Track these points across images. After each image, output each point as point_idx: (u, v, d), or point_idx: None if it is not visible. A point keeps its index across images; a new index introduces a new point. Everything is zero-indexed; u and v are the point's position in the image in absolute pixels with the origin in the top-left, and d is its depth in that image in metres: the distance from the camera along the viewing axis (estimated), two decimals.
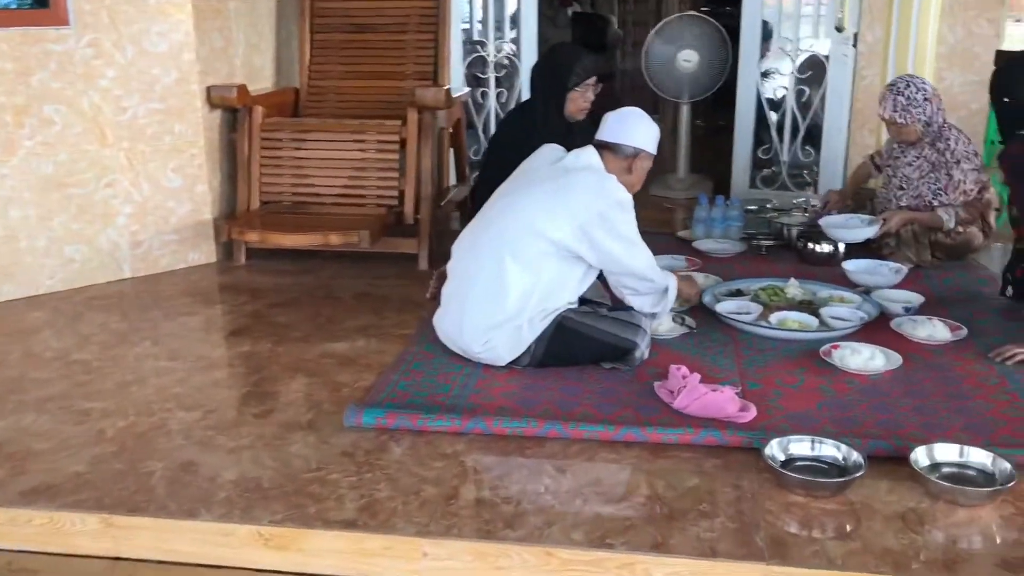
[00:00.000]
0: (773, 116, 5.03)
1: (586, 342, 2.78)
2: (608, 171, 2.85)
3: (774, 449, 2.22)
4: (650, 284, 2.87)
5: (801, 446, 2.24)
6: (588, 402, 2.60)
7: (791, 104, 4.97)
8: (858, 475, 2.09)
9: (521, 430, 2.39)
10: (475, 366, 2.85)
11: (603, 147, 2.89)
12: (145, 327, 3.34)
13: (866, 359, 2.80)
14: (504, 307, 2.75)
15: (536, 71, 3.64)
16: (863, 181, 4.31)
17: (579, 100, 3.51)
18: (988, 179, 3.88)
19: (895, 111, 3.73)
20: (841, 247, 3.88)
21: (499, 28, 5.11)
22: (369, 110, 4.42)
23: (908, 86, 3.74)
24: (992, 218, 3.87)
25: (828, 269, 3.83)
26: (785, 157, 5.02)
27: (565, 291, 2.84)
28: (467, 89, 4.84)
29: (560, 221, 2.73)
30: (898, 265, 3.66)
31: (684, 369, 2.64)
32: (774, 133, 5.03)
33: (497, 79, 5.14)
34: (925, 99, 3.72)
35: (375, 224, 3.81)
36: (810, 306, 3.29)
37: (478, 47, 5.11)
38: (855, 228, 3.75)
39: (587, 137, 3.82)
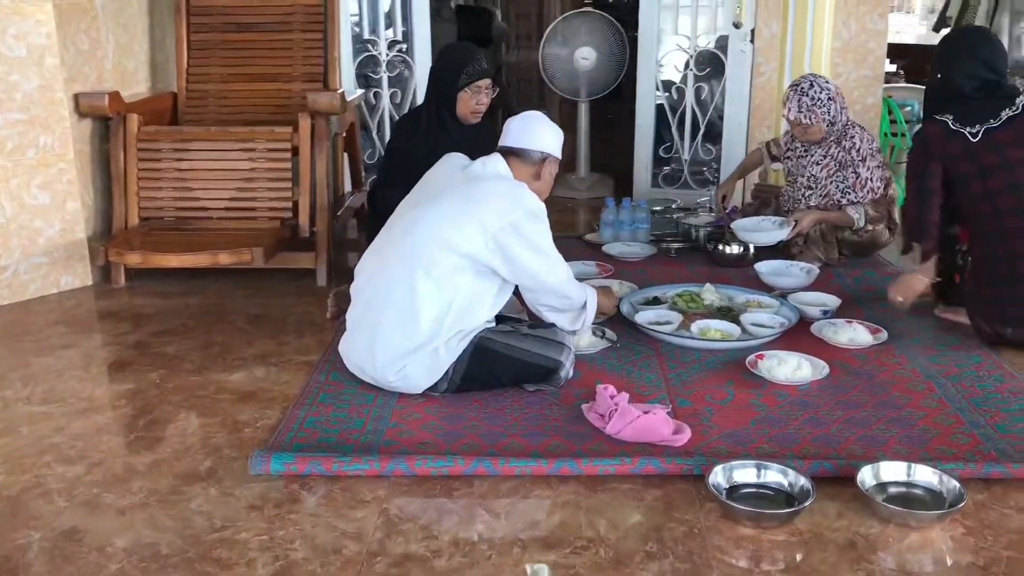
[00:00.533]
0: (673, 113, 4.96)
1: (508, 363, 2.61)
2: (516, 179, 2.70)
3: (718, 477, 2.10)
4: (568, 301, 2.74)
5: (746, 472, 2.13)
6: (515, 431, 2.43)
7: (690, 101, 4.91)
8: (808, 503, 1.99)
9: (447, 469, 2.21)
10: (388, 395, 2.65)
11: (509, 153, 2.73)
12: (14, 364, 2.99)
13: (793, 369, 2.73)
14: (419, 330, 2.56)
15: (430, 73, 3.50)
16: (753, 168, 4.28)
17: (470, 102, 3.37)
18: (891, 176, 3.90)
19: (800, 112, 3.69)
20: (751, 248, 3.83)
21: (389, 25, 4.88)
22: (256, 115, 4.15)
23: (812, 86, 3.71)
24: (897, 215, 3.89)
25: (739, 270, 3.78)
26: (686, 155, 4.97)
27: (481, 309, 2.66)
28: (361, 91, 4.60)
29: (472, 233, 2.55)
30: (809, 265, 3.64)
31: (612, 389, 2.51)
32: (675, 130, 4.97)
33: (390, 79, 4.91)
34: (829, 98, 3.69)
35: (269, 239, 3.54)
36: (729, 313, 3.21)
37: (368, 45, 4.86)
38: (767, 231, 3.71)
39: (491, 142, 3.69)
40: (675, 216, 4.39)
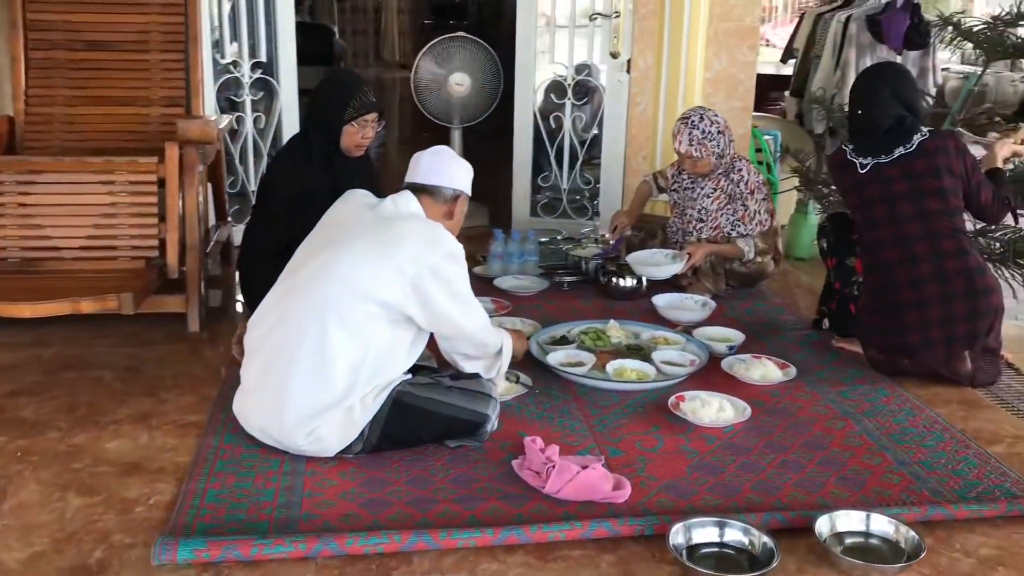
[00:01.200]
0: (551, 142, 4.89)
1: (430, 419, 2.42)
2: (429, 217, 2.53)
3: (679, 537, 1.99)
4: (485, 347, 2.59)
5: (706, 532, 2.03)
6: (445, 495, 2.24)
7: (568, 129, 4.86)
8: (773, 566, 1.91)
9: (382, 547, 1.99)
10: (296, 459, 2.40)
11: (420, 191, 2.56)
12: None
13: (716, 411, 2.68)
14: (332, 386, 2.33)
15: (310, 101, 3.29)
16: (645, 201, 4.26)
17: (356, 136, 3.20)
18: (774, 208, 3.96)
19: (691, 145, 3.68)
20: (644, 280, 3.80)
21: (253, 48, 4.57)
22: (109, 142, 3.78)
23: (702, 119, 3.71)
24: (781, 246, 3.95)
25: (634, 303, 3.75)
26: (565, 184, 4.91)
27: (397, 360, 2.46)
28: (228, 117, 4.27)
29: (388, 278, 2.36)
30: (704, 298, 3.63)
31: (540, 441, 2.38)
32: (553, 159, 4.90)
33: (253, 103, 4.59)
34: (719, 131, 3.71)
35: (137, 283, 3.19)
36: (640, 351, 3.14)
37: (231, 67, 4.53)
38: (662, 264, 3.69)
39: (375, 176, 3.50)
40: (563, 247, 4.31)
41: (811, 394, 2.90)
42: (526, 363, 3.00)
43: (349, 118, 3.16)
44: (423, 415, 2.41)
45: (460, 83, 5.03)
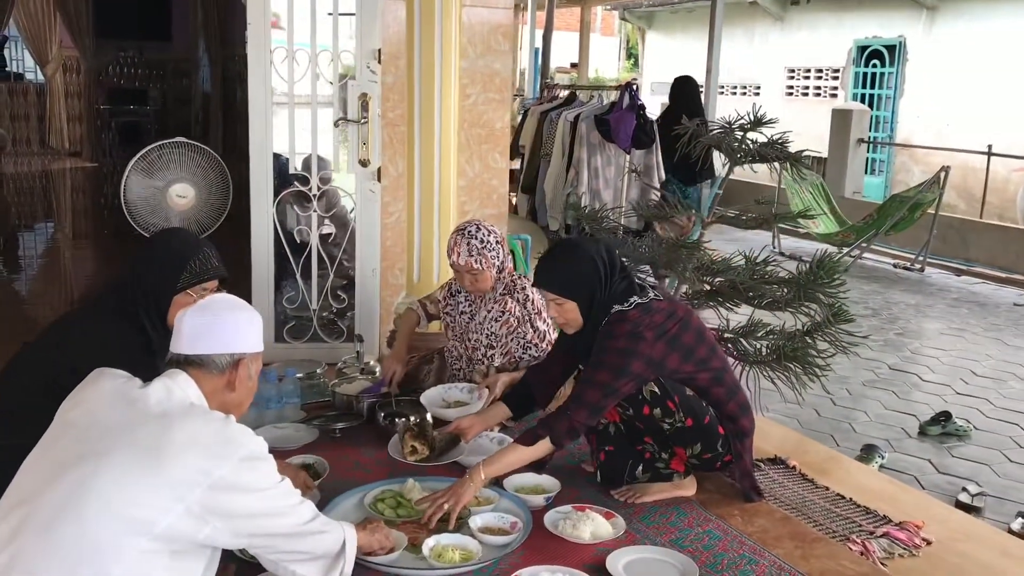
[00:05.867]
0: (296, 258, 4.37)
1: None
2: (204, 396, 1.98)
3: None
4: (318, 539, 2.03)
5: None
6: None
7: (315, 245, 4.36)
8: None
9: None
10: None
11: (185, 364, 2.00)
12: None
13: None
14: None
15: (134, 265, 2.61)
16: (412, 332, 3.86)
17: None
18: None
19: (471, 256, 3.38)
20: (429, 416, 3.38)
21: None
22: None
23: (479, 229, 3.44)
24: None
25: None
26: (315, 304, 4.39)
27: None
28: None
29: (164, 503, 1.76)
30: (501, 436, 3.29)
31: None
32: (299, 279, 4.37)
33: None
34: (497, 242, 3.46)
35: None
36: (444, 520, 2.67)
37: None
38: (460, 402, 3.30)
39: None
40: (323, 381, 3.78)
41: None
42: None
43: (184, 286, 2.54)
44: None
45: (183, 195, 4.39)
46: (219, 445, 1.84)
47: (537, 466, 2.93)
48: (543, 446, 2.71)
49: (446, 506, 2.59)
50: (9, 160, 13.32)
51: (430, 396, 3.36)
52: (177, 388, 1.94)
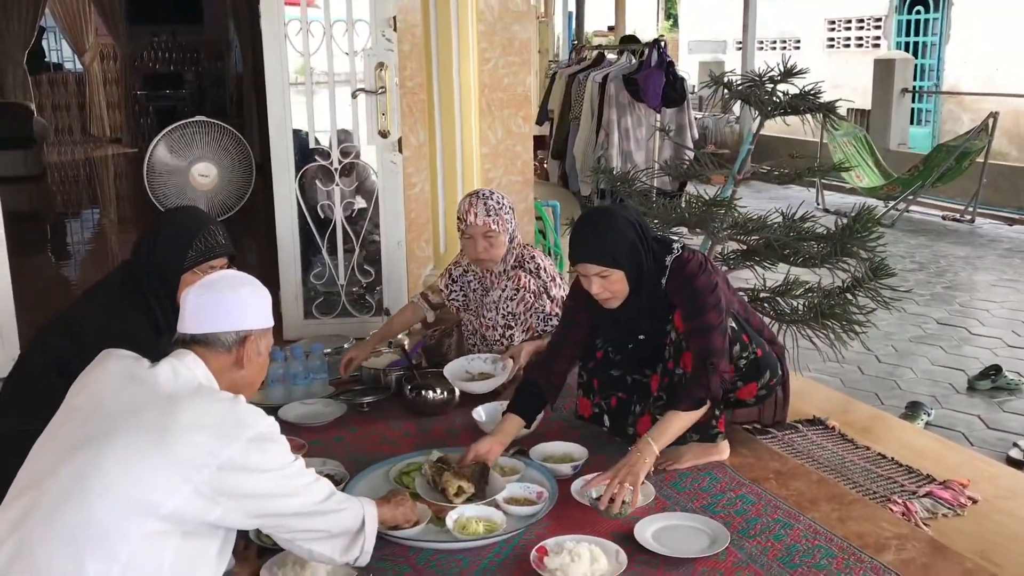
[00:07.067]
0: (321, 233, 4.33)
1: None
2: (213, 375, 1.94)
3: None
4: (335, 517, 1.99)
5: None
6: None
7: (339, 219, 4.31)
8: None
9: None
10: None
11: (191, 343, 1.96)
12: None
13: (589, 563, 2.25)
14: None
15: (142, 244, 2.59)
16: (404, 327, 3.76)
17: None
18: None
19: (488, 215, 3.31)
20: (457, 391, 3.34)
21: None
22: None
23: (492, 194, 3.40)
24: None
25: (445, 417, 3.27)
26: (342, 280, 4.35)
27: None
28: None
29: (172, 484, 1.73)
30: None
31: None
32: (326, 254, 4.34)
33: None
34: (511, 207, 3.39)
35: None
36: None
37: None
38: (487, 376, 3.25)
39: None
40: None
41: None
42: None
43: (191, 265, 2.51)
44: None
45: (205, 174, 4.35)
46: (227, 426, 1.80)
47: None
48: (703, 407, 2.67)
49: (627, 485, 2.46)
50: (53, 150, 13.55)
51: (453, 368, 3.31)
52: (184, 368, 1.91)
